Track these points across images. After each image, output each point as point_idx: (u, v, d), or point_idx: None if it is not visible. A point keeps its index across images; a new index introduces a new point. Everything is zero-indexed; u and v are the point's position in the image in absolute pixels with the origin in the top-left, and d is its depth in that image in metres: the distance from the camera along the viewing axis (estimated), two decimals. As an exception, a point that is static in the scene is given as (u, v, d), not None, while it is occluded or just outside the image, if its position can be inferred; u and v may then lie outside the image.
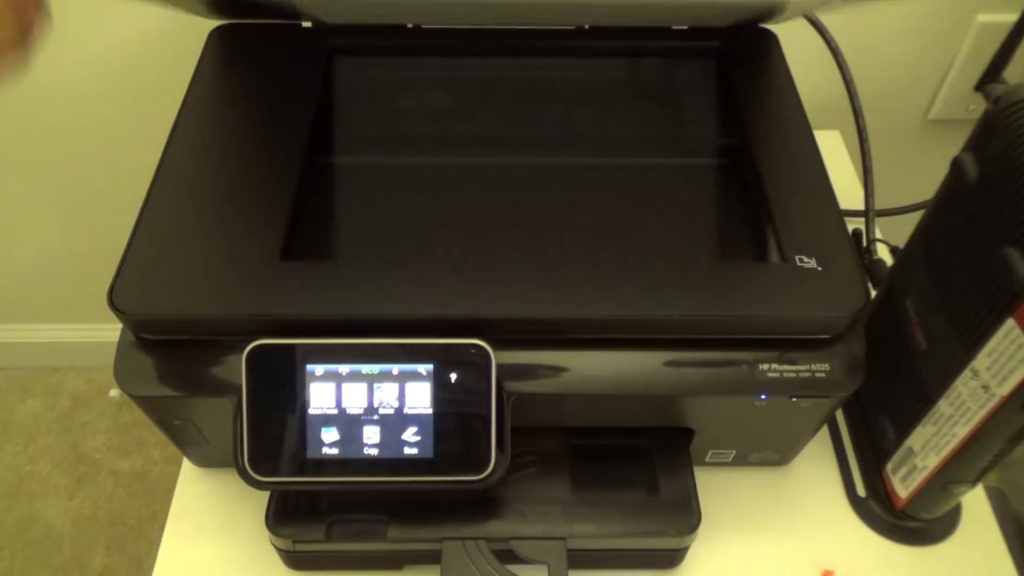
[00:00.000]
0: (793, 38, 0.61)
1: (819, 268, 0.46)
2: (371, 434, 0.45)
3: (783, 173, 0.51)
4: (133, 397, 0.47)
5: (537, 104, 0.56)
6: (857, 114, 0.58)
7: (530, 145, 0.53)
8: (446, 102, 0.56)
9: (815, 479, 0.59)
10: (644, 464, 0.52)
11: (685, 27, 0.60)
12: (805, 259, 0.46)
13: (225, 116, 0.55)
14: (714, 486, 0.57)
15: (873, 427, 0.56)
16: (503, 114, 0.55)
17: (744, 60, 0.59)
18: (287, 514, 0.49)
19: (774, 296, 0.45)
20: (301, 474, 0.45)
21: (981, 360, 0.43)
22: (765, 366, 0.46)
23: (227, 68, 0.58)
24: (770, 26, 0.62)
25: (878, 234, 0.60)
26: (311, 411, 0.45)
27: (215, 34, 0.61)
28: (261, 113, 0.54)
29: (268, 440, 0.45)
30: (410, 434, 0.45)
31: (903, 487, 0.53)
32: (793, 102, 0.56)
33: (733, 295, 0.45)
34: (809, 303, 0.45)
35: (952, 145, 0.47)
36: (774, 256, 0.47)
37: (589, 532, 0.49)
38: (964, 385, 0.44)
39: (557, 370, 0.46)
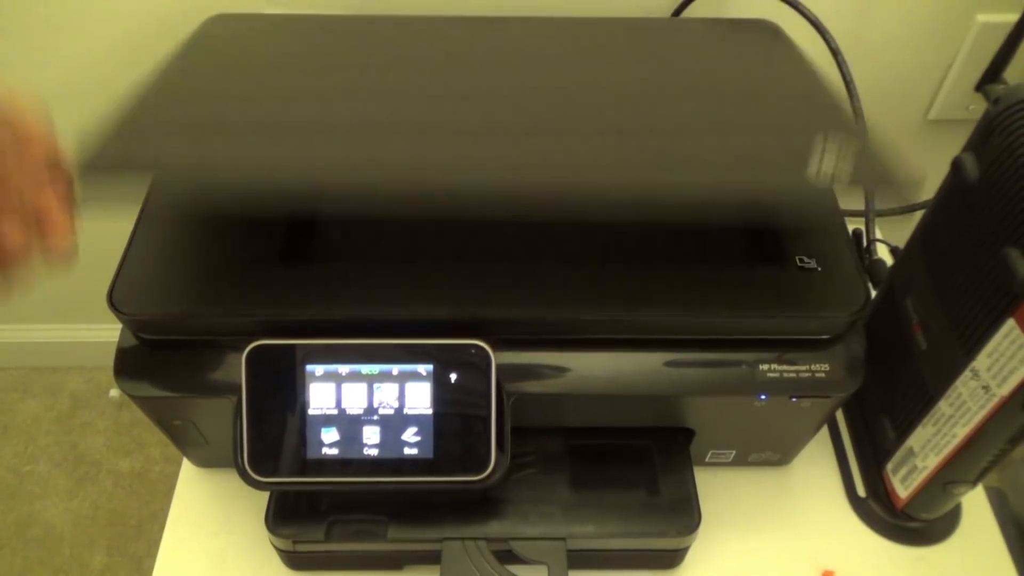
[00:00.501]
0: (793, 38, 0.61)
1: (819, 268, 0.46)
2: (371, 434, 0.45)
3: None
4: (133, 397, 0.47)
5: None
6: (857, 114, 0.58)
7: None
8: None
9: (815, 479, 0.59)
10: (644, 464, 0.52)
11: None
12: (805, 259, 0.46)
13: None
14: (714, 486, 0.57)
15: (873, 427, 0.56)
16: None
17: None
18: (287, 514, 0.49)
19: (774, 297, 0.45)
20: (301, 474, 0.45)
21: (981, 360, 0.43)
22: (765, 366, 0.46)
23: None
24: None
25: (878, 234, 0.60)
26: (311, 411, 0.45)
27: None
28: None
29: (268, 440, 0.45)
30: (410, 434, 0.45)
31: (903, 487, 0.53)
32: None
33: (733, 296, 0.45)
34: (809, 303, 0.45)
35: (952, 145, 0.47)
36: (775, 257, 0.47)
37: (589, 532, 0.49)
38: (964, 385, 0.44)
39: (557, 370, 0.46)
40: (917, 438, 0.50)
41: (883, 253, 0.61)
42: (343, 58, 0.55)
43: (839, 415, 0.61)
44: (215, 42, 0.57)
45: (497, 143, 0.45)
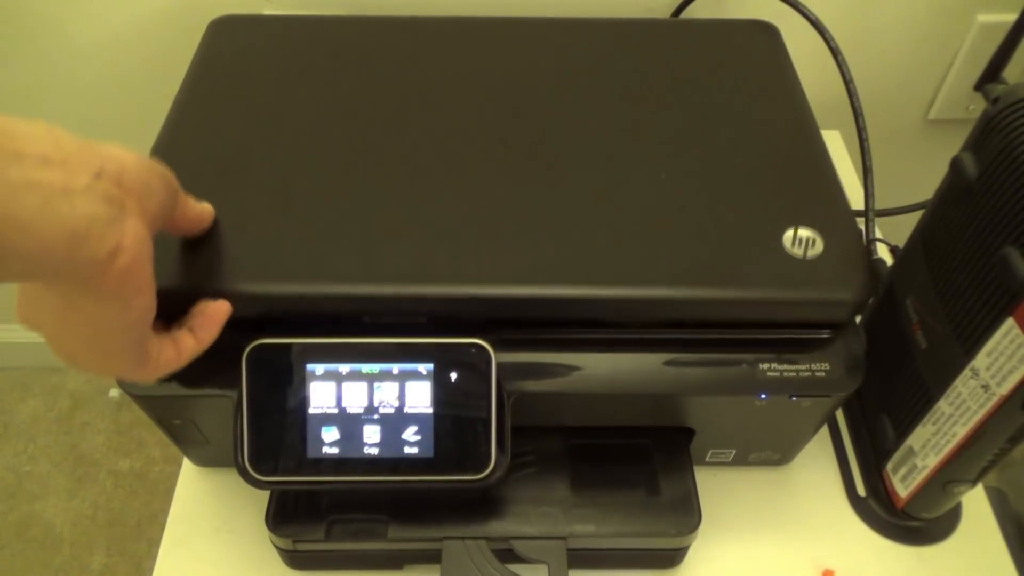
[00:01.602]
0: (793, 38, 0.61)
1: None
2: (371, 433, 0.45)
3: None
4: (133, 397, 0.47)
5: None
6: (857, 114, 0.58)
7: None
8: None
9: (815, 479, 0.59)
10: (644, 464, 0.53)
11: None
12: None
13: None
14: (714, 486, 0.57)
15: (873, 427, 0.56)
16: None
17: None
18: (287, 514, 0.49)
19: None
20: (301, 473, 0.45)
21: (981, 360, 0.43)
22: (765, 365, 0.46)
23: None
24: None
25: (878, 234, 0.60)
26: (311, 410, 0.45)
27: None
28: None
29: (268, 439, 0.45)
30: (410, 433, 0.45)
31: (903, 487, 0.53)
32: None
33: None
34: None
35: (952, 145, 0.47)
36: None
37: (589, 532, 0.49)
38: (964, 385, 0.44)
39: (557, 370, 0.46)
40: (917, 437, 0.50)
41: (883, 253, 0.61)
42: (358, 93, 0.55)
43: (839, 415, 0.61)
44: (229, 68, 0.57)
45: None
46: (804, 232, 0.46)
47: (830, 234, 0.46)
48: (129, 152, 0.34)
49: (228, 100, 0.55)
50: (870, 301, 0.52)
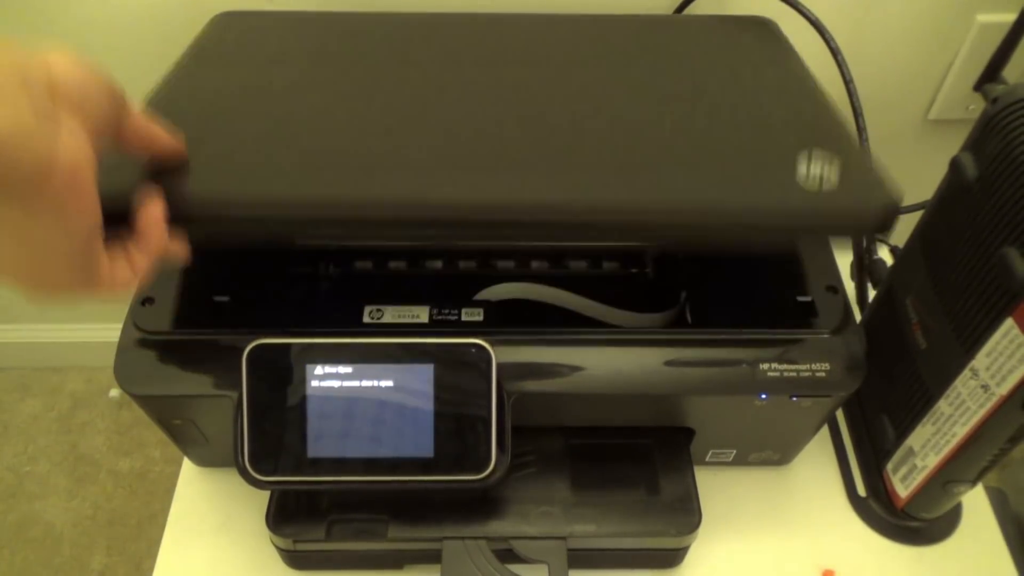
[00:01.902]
0: (793, 38, 0.61)
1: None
2: (371, 433, 0.45)
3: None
4: (133, 397, 0.47)
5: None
6: (857, 114, 0.58)
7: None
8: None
9: (815, 479, 0.59)
10: (644, 464, 0.53)
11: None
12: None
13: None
14: (714, 486, 0.57)
15: (873, 427, 0.56)
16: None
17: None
18: (287, 514, 0.49)
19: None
20: (301, 473, 0.45)
21: (980, 360, 0.43)
22: (765, 365, 0.47)
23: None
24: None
25: (878, 234, 0.60)
26: (311, 410, 0.45)
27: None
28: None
29: (268, 439, 0.45)
30: (411, 433, 0.45)
31: (903, 487, 0.53)
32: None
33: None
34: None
35: (952, 145, 0.47)
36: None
37: (589, 532, 0.49)
38: (964, 385, 0.44)
39: (557, 370, 0.46)
40: (917, 437, 0.50)
41: (883, 253, 0.61)
42: (357, 72, 0.54)
43: (839, 415, 0.61)
44: (225, 48, 0.57)
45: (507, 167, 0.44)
46: (818, 156, 0.43)
47: (844, 162, 0.43)
48: (63, 57, 0.32)
49: (220, 76, 0.53)
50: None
